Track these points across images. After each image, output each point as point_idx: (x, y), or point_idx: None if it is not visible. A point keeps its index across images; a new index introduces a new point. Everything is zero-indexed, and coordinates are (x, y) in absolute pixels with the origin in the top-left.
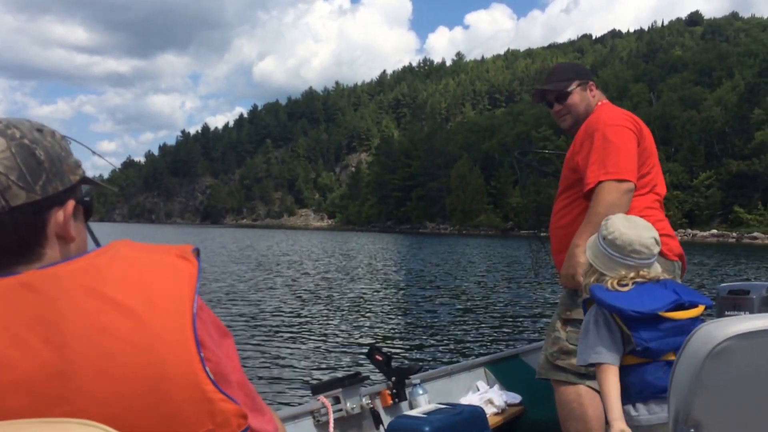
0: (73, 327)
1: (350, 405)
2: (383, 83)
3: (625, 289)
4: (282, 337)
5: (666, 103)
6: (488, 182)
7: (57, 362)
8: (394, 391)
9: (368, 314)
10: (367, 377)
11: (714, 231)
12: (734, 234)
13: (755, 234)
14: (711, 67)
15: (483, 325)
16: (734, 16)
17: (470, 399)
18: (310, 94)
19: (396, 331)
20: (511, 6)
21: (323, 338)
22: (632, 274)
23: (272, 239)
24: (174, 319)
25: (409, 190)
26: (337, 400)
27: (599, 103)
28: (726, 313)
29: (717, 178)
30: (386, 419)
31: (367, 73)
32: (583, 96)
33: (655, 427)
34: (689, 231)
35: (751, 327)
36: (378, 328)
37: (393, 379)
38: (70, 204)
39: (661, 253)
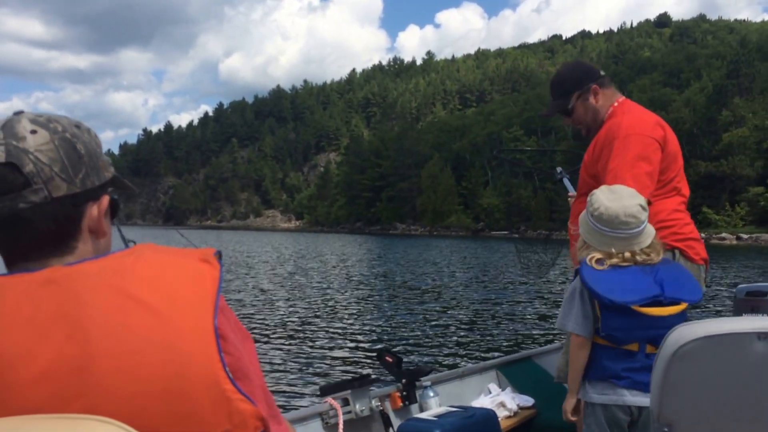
0: (95, 323)
1: (359, 407)
2: (353, 82)
3: (600, 267)
4: (291, 337)
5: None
6: (459, 183)
7: (78, 357)
8: (405, 393)
9: (378, 316)
10: (377, 379)
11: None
12: (703, 234)
13: (723, 235)
14: (679, 69)
15: (494, 327)
16: (702, 18)
17: (482, 402)
18: (277, 93)
19: (406, 333)
20: (482, 5)
21: (333, 339)
22: (627, 254)
23: (243, 241)
24: (195, 319)
25: (379, 191)
26: (346, 402)
27: (616, 103)
28: (743, 315)
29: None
30: (396, 422)
31: (336, 71)
32: (587, 106)
33: (607, 408)
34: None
35: (715, 330)
36: (388, 330)
37: (403, 381)
38: (105, 199)
39: (687, 257)
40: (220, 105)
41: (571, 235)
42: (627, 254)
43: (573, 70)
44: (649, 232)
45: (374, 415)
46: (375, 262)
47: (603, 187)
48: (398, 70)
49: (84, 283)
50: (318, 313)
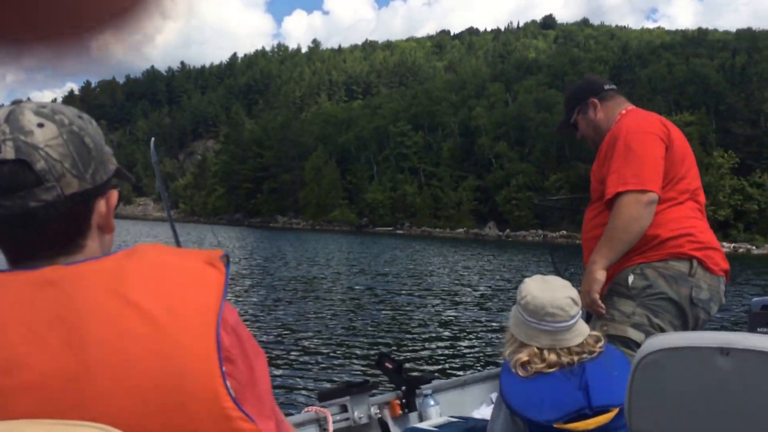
0: (93, 330)
1: (358, 414)
2: (234, 67)
3: (524, 374)
4: (289, 340)
5: (521, 104)
6: (344, 176)
7: (74, 366)
8: (404, 401)
9: (377, 320)
10: (376, 385)
11: (563, 232)
12: (579, 235)
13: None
14: (564, 72)
15: (497, 334)
16: (585, 22)
17: (483, 412)
18: (152, 74)
19: (407, 339)
20: None
21: (331, 343)
22: (552, 357)
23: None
24: (196, 329)
25: (260, 182)
26: (344, 409)
27: (624, 111)
28: (758, 329)
29: (567, 181)
30: (395, 430)
31: (217, 55)
32: (587, 120)
33: None
34: (540, 232)
35: (677, 343)
36: (388, 335)
37: (403, 388)
38: (114, 194)
39: (705, 267)
40: (87, 84)
41: (584, 241)
42: (552, 357)
43: (577, 86)
44: (581, 330)
45: (372, 423)
46: (394, 263)
47: (536, 276)
48: (283, 57)
49: (83, 286)
50: (319, 315)
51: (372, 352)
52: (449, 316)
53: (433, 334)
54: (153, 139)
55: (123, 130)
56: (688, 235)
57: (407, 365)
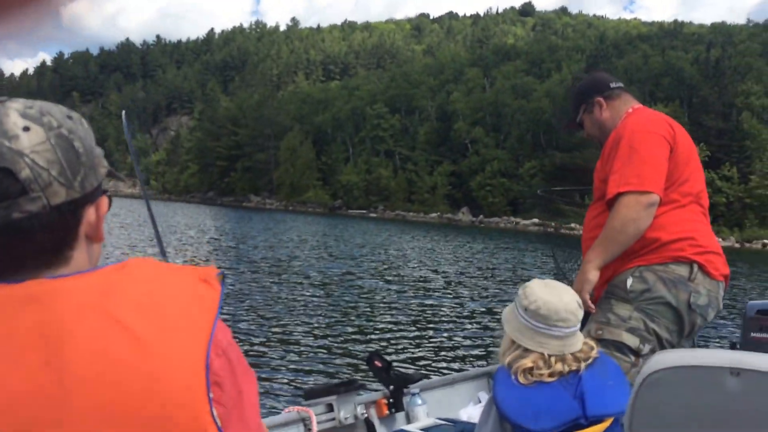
0: (76, 350)
1: (344, 414)
2: (211, 43)
3: (526, 382)
4: (274, 335)
5: (499, 90)
6: (319, 157)
7: (54, 386)
8: (391, 400)
9: (369, 315)
10: (364, 385)
11: (535, 220)
12: (553, 224)
13: (572, 225)
14: (542, 59)
15: (488, 331)
16: (563, 10)
17: (470, 411)
18: (126, 46)
19: (399, 335)
20: None
21: (320, 339)
22: (558, 366)
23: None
24: (185, 353)
25: (234, 161)
26: (330, 408)
27: (630, 109)
28: (752, 335)
29: (541, 169)
30: (381, 430)
31: (193, 30)
32: (592, 118)
33: None
34: (512, 219)
35: (687, 361)
36: (380, 331)
37: (391, 387)
38: (104, 201)
39: (706, 272)
40: (61, 54)
41: (584, 241)
42: (558, 366)
43: (583, 83)
44: (580, 335)
45: (358, 423)
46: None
47: (536, 280)
48: (261, 34)
49: (67, 302)
50: (305, 307)
51: (341, 339)
52: (423, 303)
53: (406, 322)
54: (124, 111)
55: (95, 103)
56: (689, 238)
57: (381, 350)
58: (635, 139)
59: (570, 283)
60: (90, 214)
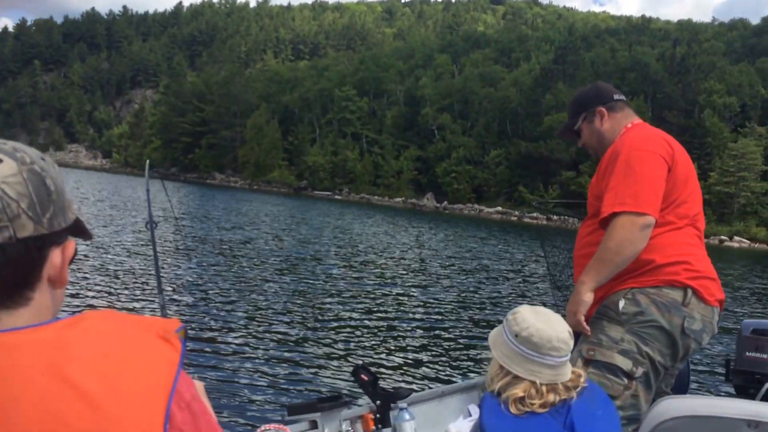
0: (22, 410)
1: (328, 431)
2: (179, 16)
3: (518, 412)
4: (255, 342)
5: (467, 77)
6: (285, 137)
7: None
8: (378, 415)
9: (353, 324)
10: (349, 401)
11: (499, 208)
12: (516, 213)
13: (535, 214)
14: (511, 48)
15: (479, 341)
16: (534, 1)
17: (459, 425)
18: (92, 16)
19: (386, 345)
20: None
21: (303, 349)
22: (550, 397)
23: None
24: (141, 417)
25: (199, 137)
26: (314, 425)
27: (629, 125)
28: (747, 354)
29: (506, 157)
30: None
31: (161, 2)
32: (592, 128)
33: None
34: (476, 206)
35: (702, 411)
36: (365, 340)
37: (378, 402)
38: (71, 246)
39: (699, 297)
40: (23, 21)
41: (575, 258)
42: (550, 396)
43: (585, 91)
44: (569, 365)
45: None
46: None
47: (526, 307)
48: (230, 9)
49: (17, 359)
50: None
51: (317, 339)
52: (388, 291)
53: (375, 311)
54: (148, 161)
55: (57, 72)
56: (684, 262)
57: (359, 351)
58: (633, 157)
59: (560, 292)
60: (55, 255)
